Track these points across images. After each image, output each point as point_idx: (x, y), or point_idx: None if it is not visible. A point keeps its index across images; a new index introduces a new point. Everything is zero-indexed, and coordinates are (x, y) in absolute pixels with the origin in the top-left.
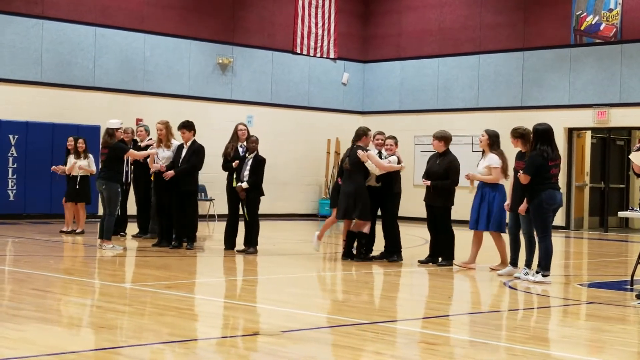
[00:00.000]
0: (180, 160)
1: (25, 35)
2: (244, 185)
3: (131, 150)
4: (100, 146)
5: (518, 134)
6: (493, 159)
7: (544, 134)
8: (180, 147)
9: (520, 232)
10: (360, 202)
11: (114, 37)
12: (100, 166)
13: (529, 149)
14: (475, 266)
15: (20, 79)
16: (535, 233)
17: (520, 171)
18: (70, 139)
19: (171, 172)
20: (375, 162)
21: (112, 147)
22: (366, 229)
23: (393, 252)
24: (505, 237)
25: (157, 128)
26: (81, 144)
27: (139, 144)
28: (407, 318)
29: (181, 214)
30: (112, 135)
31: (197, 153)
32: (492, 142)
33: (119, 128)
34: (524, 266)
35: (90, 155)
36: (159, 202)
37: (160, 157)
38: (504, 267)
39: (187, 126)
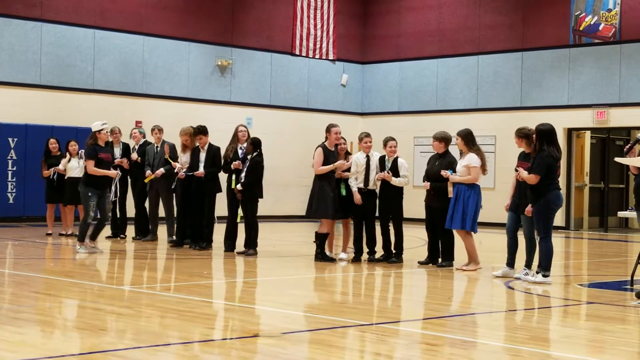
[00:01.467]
0: (203, 164)
1: (24, 38)
2: (239, 186)
3: (89, 167)
4: None
5: (523, 134)
6: (472, 159)
7: (548, 134)
8: (196, 150)
9: (518, 232)
10: (314, 200)
11: (113, 39)
12: None
13: (532, 149)
14: (481, 266)
15: (19, 82)
16: (536, 233)
17: (522, 171)
18: (53, 140)
19: (201, 172)
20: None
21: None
22: (320, 229)
23: (394, 254)
24: (484, 236)
25: (183, 140)
26: (73, 146)
27: (134, 146)
28: (408, 319)
29: (201, 215)
30: (91, 137)
31: (217, 155)
32: (467, 141)
33: (101, 129)
34: (524, 267)
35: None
36: (184, 204)
37: (184, 163)
38: (475, 266)
39: (203, 131)
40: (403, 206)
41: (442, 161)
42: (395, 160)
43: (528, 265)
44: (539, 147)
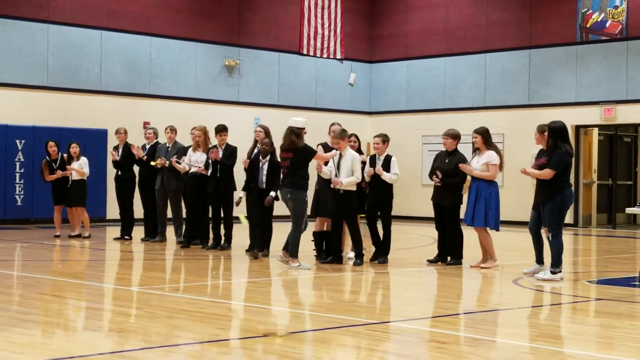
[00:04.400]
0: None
1: (31, 40)
2: (273, 194)
3: (319, 154)
4: (281, 148)
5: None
6: (492, 156)
7: (562, 131)
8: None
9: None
10: (319, 199)
11: (120, 40)
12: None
13: (546, 146)
14: (498, 263)
15: (27, 84)
16: (545, 230)
17: (530, 169)
18: (52, 143)
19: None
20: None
21: (298, 150)
22: (317, 227)
23: (381, 254)
24: (493, 234)
25: (195, 134)
26: (74, 148)
27: (145, 145)
28: (417, 317)
29: (220, 215)
30: (299, 136)
31: (234, 154)
32: (486, 139)
33: (304, 127)
34: (536, 263)
35: (83, 158)
36: (194, 204)
37: (199, 162)
38: (492, 263)
39: (226, 129)
40: (392, 206)
41: (452, 159)
42: (387, 158)
43: (540, 261)
44: (554, 144)
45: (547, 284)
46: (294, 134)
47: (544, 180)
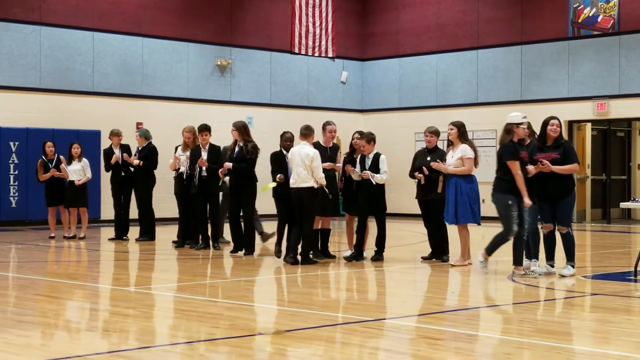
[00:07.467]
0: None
1: (23, 42)
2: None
3: (514, 169)
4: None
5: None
6: (466, 150)
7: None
8: (197, 149)
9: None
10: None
11: (112, 41)
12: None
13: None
14: (472, 261)
15: (19, 86)
16: (558, 226)
17: (539, 163)
18: (50, 143)
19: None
20: None
21: (500, 147)
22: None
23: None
24: (486, 230)
25: (185, 137)
26: (76, 148)
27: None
28: (412, 314)
29: (205, 215)
30: (509, 132)
31: (218, 154)
32: (461, 132)
33: (521, 123)
34: (534, 259)
35: (85, 160)
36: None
37: (183, 162)
38: (463, 261)
39: (209, 129)
40: (386, 203)
41: (433, 155)
42: (376, 157)
43: (536, 256)
44: (558, 139)
45: (544, 280)
46: (505, 130)
47: (562, 175)
